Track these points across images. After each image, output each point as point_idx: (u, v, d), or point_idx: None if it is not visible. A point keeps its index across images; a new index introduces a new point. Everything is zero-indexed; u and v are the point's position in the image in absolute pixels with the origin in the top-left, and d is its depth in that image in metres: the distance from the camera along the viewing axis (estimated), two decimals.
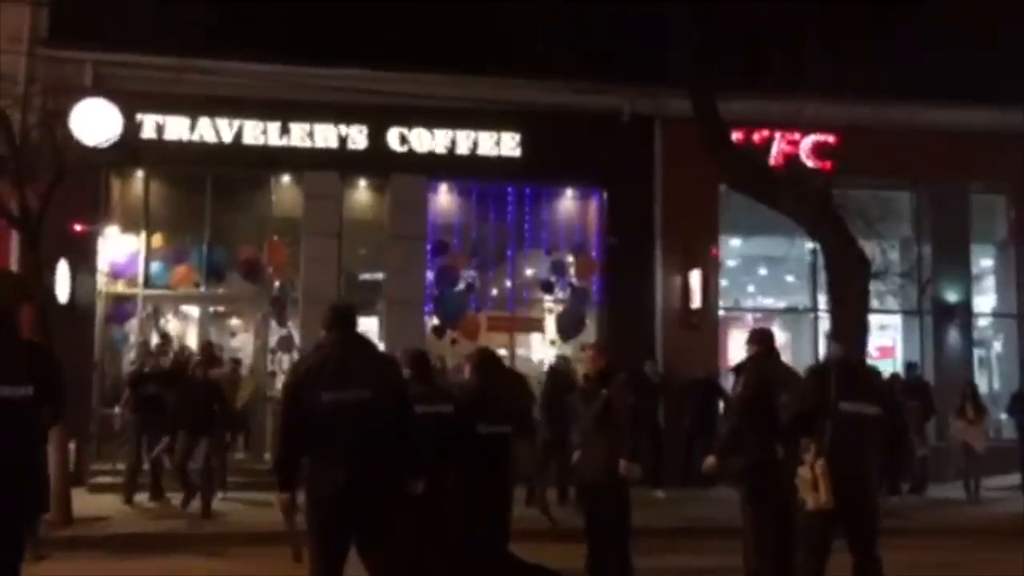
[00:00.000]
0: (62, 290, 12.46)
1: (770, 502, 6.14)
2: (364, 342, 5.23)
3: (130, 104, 12.61)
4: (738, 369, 6.76)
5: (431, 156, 14.01)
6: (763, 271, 16.32)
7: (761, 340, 6.65)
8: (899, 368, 14.12)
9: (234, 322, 15.03)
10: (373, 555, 4.67)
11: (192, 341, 13.92)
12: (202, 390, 10.63)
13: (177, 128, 13.38)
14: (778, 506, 6.11)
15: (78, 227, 12.82)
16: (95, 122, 12.80)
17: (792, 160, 14.14)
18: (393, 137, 13.96)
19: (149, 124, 13.27)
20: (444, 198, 14.63)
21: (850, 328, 10.77)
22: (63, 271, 12.50)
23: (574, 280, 14.71)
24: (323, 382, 4.68)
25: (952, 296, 14.89)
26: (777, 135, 14.33)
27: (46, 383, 4.14)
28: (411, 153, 13.98)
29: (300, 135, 13.71)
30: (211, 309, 14.59)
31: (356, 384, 4.71)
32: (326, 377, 4.70)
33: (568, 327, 14.54)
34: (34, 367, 4.13)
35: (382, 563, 4.69)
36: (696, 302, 14.27)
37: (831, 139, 14.23)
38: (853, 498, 5.40)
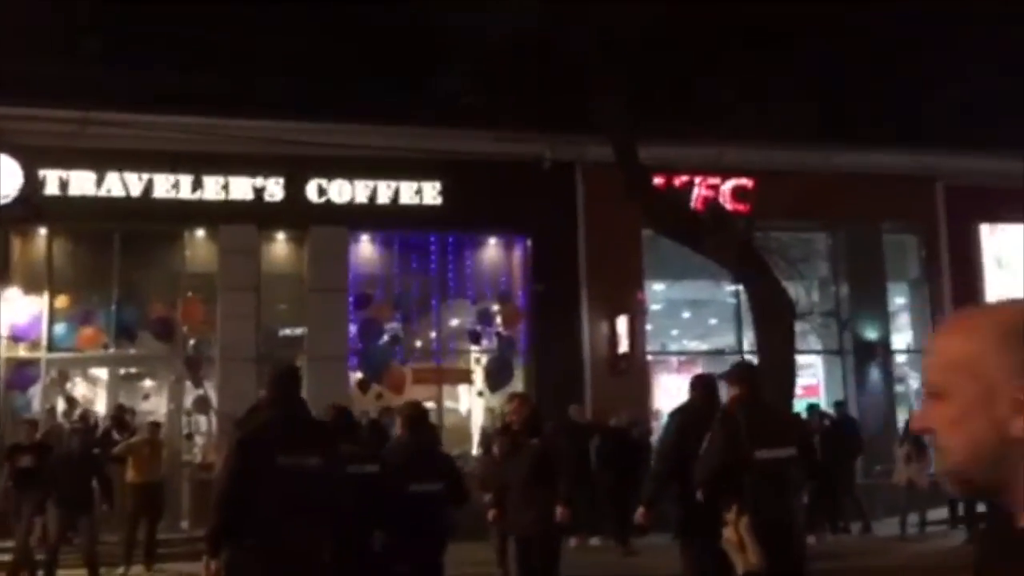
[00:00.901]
0: None
1: (705, 549, 5.97)
2: (305, 405, 4.96)
3: (32, 159, 12.12)
4: (673, 415, 6.59)
5: (351, 206, 13.71)
6: (687, 314, 16.41)
7: (693, 388, 6.52)
8: (825, 407, 14.25)
9: (147, 384, 14.31)
10: None
11: (102, 406, 13.18)
12: (78, 462, 9.75)
13: (82, 183, 12.79)
14: (715, 554, 5.94)
15: None
16: None
17: (712, 204, 14.28)
18: (312, 188, 13.63)
19: (52, 179, 12.67)
20: (366, 248, 14.33)
21: (778, 369, 10.82)
22: None
23: (500, 329, 14.51)
24: (277, 443, 4.38)
25: (871, 334, 15.17)
26: (697, 179, 14.49)
27: None
28: (330, 204, 13.66)
29: (214, 188, 13.27)
30: (122, 371, 13.87)
31: (303, 450, 4.44)
32: (277, 438, 4.41)
33: (496, 377, 14.29)
34: None
35: None
36: (624, 347, 14.19)
37: (749, 183, 14.45)
38: (780, 547, 5.16)
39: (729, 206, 14.50)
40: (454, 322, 14.70)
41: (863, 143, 14.20)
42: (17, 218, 12.14)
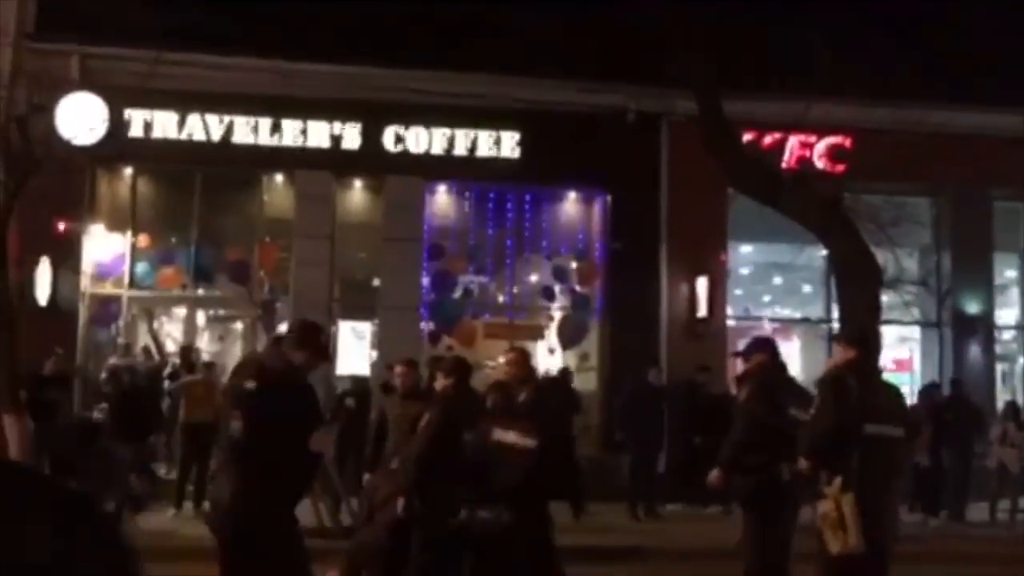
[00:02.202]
0: (42, 290, 12.09)
1: (774, 528, 5.55)
2: None
3: (117, 99, 12.30)
4: (740, 379, 6.10)
5: (427, 156, 13.50)
6: (777, 279, 15.69)
7: (764, 348, 6.04)
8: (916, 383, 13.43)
9: (223, 326, 14.57)
10: None
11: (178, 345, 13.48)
12: (136, 398, 10.12)
13: (165, 124, 12.98)
14: (780, 533, 5.54)
15: (61, 226, 12.46)
16: (81, 117, 12.55)
17: (805, 163, 13.52)
18: (388, 136, 13.47)
19: (137, 120, 12.87)
20: (441, 200, 14.14)
21: None
22: (44, 270, 12.14)
23: (576, 286, 14.15)
24: None
25: (973, 307, 14.17)
26: (791, 137, 13.72)
27: None
28: (407, 153, 13.48)
29: (292, 133, 13.26)
30: (199, 312, 14.14)
31: None
32: None
33: (569, 335, 13.98)
34: None
35: None
36: (702, 310, 13.64)
37: (846, 142, 13.60)
38: (874, 537, 4.57)
39: (824, 166, 13.73)
40: (529, 278, 14.41)
41: (973, 102, 13.14)
42: (104, 156, 12.37)
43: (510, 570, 4.91)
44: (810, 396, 5.49)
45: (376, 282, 13.90)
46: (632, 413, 11.84)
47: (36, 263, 11.94)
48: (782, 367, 6.09)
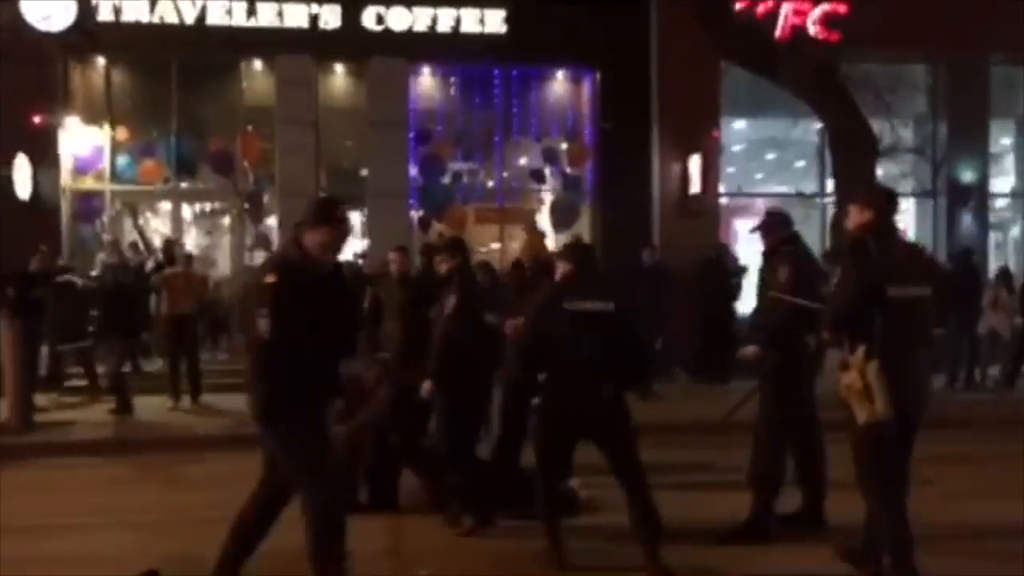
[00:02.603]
0: (22, 186, 11.83)
1: (793, 401, 5.54)
2: None
3: None
4: (769, 255, 5.85)
5: (410, 35, 13.06)
6: (770, 155, 15.46)
7: (785, 224, 5.85)
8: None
9: (209, 220, 14.36)
10: None
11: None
12: (117, 293, 10.15)
13: (136, 9, 12.48)
14: (800, 405, 5.54)
15: (36, 119, 12.10)
16: (47, 5, 12.07)
17: (799, 32, 13.13)
18: (369, 16, 12.99)
19: (105, 6, 12.36)
20: (426, 82, 13.76)
21: None
22: (22, 165, 11.86)
23: (566, 168, 13.93)
24: None
25: (968, 176, 14.02)
26: (784, 5, 13.29)
27: None
28: (389, 33, 13.03)
29: (269, 15, 12.78)
30: (184, 205, 13.90)
31: None
32: None
33: (561, 217, 13.82)
34: None
35: None
36: (695, 188, 13.47)
37: (841, 8, 13.17)
38: (908, 408, 4.40)
39: (818, 34, 13.34)
40: (518, 161, 14.17)
41: None
42: (73, 45, 11.94)
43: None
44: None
45: (363, 171, 13.64)
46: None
47: (13, 159, 11.63)
48: (801, 240, 5.95)
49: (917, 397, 4.46)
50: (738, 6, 12.16)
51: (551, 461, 5.02)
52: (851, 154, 10.09)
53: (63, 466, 8.20)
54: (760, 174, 15.43)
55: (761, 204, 14.48)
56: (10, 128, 11.70)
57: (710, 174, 13.53)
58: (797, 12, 13.26)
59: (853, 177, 10.05)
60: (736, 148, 14.77)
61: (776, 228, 5.79)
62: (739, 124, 14.68)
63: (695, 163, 13.47)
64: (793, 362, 5.49)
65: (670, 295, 12.11)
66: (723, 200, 14.07)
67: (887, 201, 4.71)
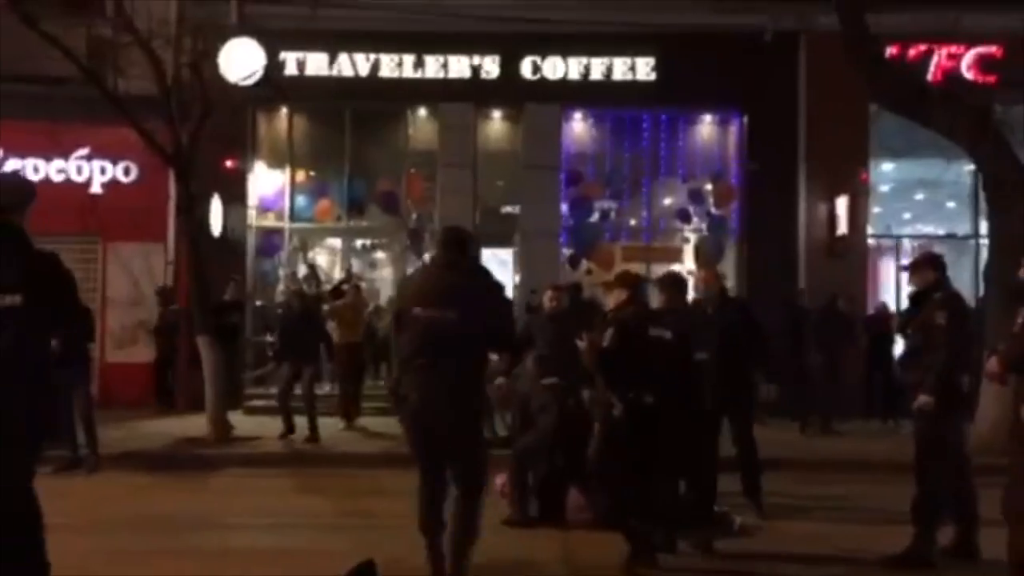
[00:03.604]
0: (215, 224, 13.15)
1: (949, 439, 5.87)
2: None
3: (273, 42, 13.04)
4: (918, 299, 6.12)
5: (564, 84, 13.83)
6: (919, 195, 15.34)
7: (937, 265, 6.10)
8: None
9: (376, 254, 15.46)
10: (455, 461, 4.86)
11: (336, 272, 14.44)
12: (298, 322, 10.90)
13: (317, 64, 13.76)
14: (955, 444, 5.89)
15: (229, 163, 13.46)
16: (241, 60, 13.32)
17: (952, 75, 13.14)
18: (526, 66, 13.85)
19: (291, 61, 13.68)
20: (578, 126, 14.47)
21: (1012, 254, 10.05)
22: (216, 206, 13.18)
23: (712, 208, 14.31)
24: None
25: None
26: (936, 49, 13.34)
27: (41, 290, 3.79)
28: (544, 81, 13.85)
29: (435, 67, 13.81)
30: (355, 241, 15.08)
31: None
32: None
33: (706, 256, 14.18)
34: (29, 274, 3.77)
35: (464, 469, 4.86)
36: (842, 229, 13.60)
37: (994, 51, 13.10)
38: None
39: (972, 77, 13.31)
40: (665, 200, 14.64)
41: None
42: (262, 97, 13.21)
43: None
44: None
45: (516, 209, 14.42)
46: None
47: (209, 199, 12.96)
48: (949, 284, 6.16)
49: None
50: (889, 51, 12.31)
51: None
52: (1006, 196, 10.09)
53: (254, 475, 9.16)
54: (908, 215, 15.32)
55: (908, 245, 14.46)
56: (206, 172, 13.02)
57: (857, 215, 13.64)
58: (950, 56, 13.28)
59: (1007, 219, 10.07)
60: (884, 188, 14.77)
61: (927, 269, 6.06)
62: (887, 165, 14.68)
63: (842, 204, 13.61)
64: (949, 403, 5.77)
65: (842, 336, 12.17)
66: (871, 241, 14.11)
67: None
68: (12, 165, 13.39)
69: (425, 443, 4.80)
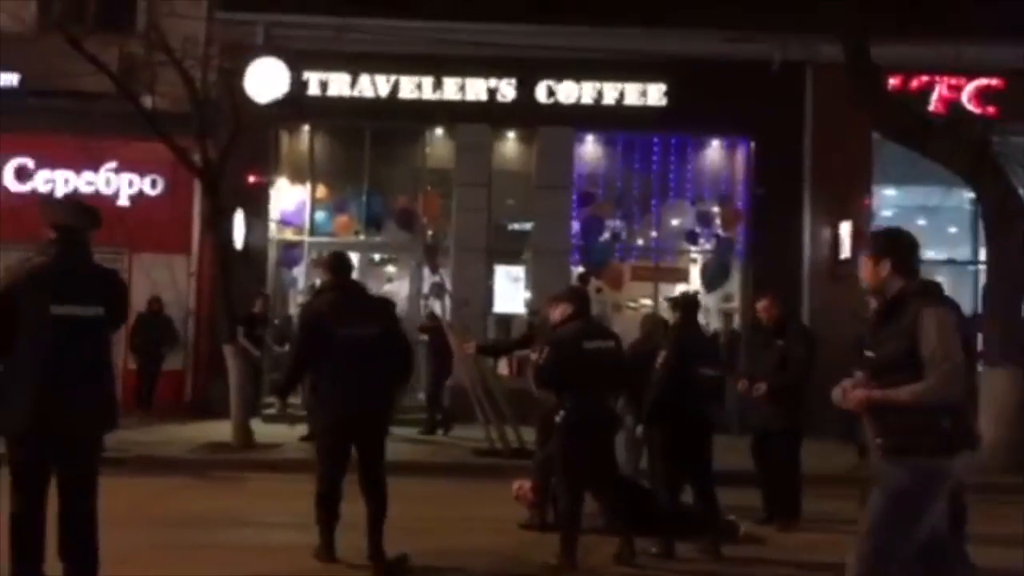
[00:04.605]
0: (238, 237, 13.58)
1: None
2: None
3: (297, 62, 13.49)
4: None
5: (578, 107, 14.30)
6: (921, 221, 15.75)
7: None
8: None
9: (390, 269, 15.88)
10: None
11: None
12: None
13: (339, 84, 14.23)
14: None
15: (252, 179, 13.90)
16: (266, 80, 13.74)
17: (953, 106, 13.59)
18: (541, 90, 14.32)
19: (314, 81, 14.14)
20: (590, 149, 14.93)
21: (1009, 280, 10.51)
22: (239, 220, 13.62)
23: (719, 230, 14.74)
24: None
25: None
26: (938, 81, 13.80)
27: (115, 305, 4.57)
28: (558, 105, 14.31)
29: (453, 89, 14.28)
30: (374, 256, 15.52)
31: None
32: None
33: (713, 277, 14.62)
34: (105, 290, 4.53)
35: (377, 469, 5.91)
36: (846, 252, 14.01)
37: (997, 83, 13.57)
38: None
39: (974, 109, 13.76)
40: (673, 222, 15.07)
41: None
42: (285, 116, 13.64)
43: None
44: None
45: (528, 227, 14.85)
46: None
47: (233, 214, 13.39)
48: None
49: None
50: (892, 82, 12.76)
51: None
52: (1004, 224, 10.52)
53: (280, 479, 9.51)
54: None
55: None
56: (231, 187, 13.45)
57: (860, 240, 14.03)
58: (951, 87, 13.74)
59: (1006, 246, 10.51)
60: (887, 213, 15.18)
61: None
62: (890, 191, 15.11)
63: (846, 229, 14.03)
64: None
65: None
66: None
67: None
68: (43, 177, 13.87)
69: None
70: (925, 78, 13.71)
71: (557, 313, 6.39)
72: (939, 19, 11.20)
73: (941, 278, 14.18)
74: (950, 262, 15.02)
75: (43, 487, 4.34)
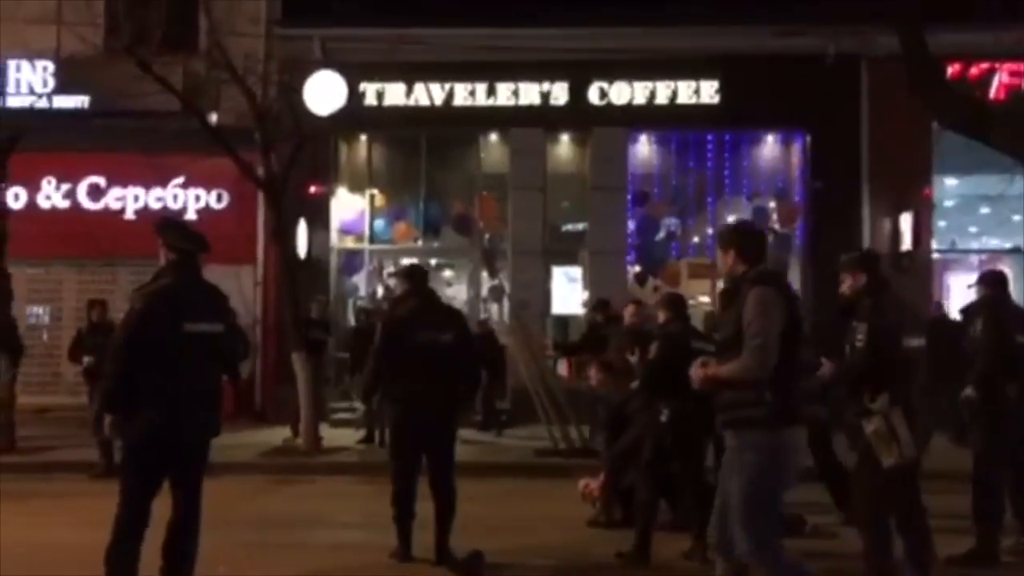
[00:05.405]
0: (301, 246, 13.92)
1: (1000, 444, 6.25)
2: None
3: (354, 74, 13.80)
4: (968, 311, 6.66)
5: (630, 108, 14.37)
6: (984, 210, 15.49)
7: (994, 283, 6.55)
8: None
9: (448, 274, 16.11)
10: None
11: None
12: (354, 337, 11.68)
13: (395, 94, 14.50)
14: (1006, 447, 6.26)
15: (313, 189, 14.24)
16: (325, 93, 14.07)
17: (1015, 93, 13.35)
18: (593, 91, 14.42)
19: (370, 92, 14.43)
20: (644, 148, 14.98)
21: None
22: (302, 229, 13.96)
23: (777, 226, 14.67)
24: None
25: None
26: (998, 67, 13.57)
27: (231, 322, 5.02)
28: (611, 106, 14.40)
29: (506, 94, 14.45)
30: (431, 261, 15.69)
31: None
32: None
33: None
34: (223, 308, 4.97)
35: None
36: (907, 244, 13.85)
37: None
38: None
39: None
40: (730, 218, 14.98)
41: None
42: (344, 127, 13.96)
43: None
44: None
45: (584, 228, 14.95)
46: None
47: (296, 224, 13.73)
48: (1009, 299, 6.61)
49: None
50: (951, 69, 12.58)
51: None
52: None
53: (349, 481, 9.78)
54: (974, 228, 15.47)
55: (974, 260, 14.63)
56: (293, 197, 13.81)
57: (922, 231, 13.88)
58: (1012, 73, 13.49)
59: None
60: (949, 203, 14.97)
61: (981, 287, 6.54)
62: (952, 181, 14.88)
63: (906, 220, 13.86)
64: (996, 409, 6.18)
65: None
66: (936, 255, 14.32)
67: None
68: (115, 194, 14.38)
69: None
70: (985, 65, 13.48)
71: (661, 316, 6.82)
72: (997, 4, 11.00)
73: (1005, 267, 14.15)
74: (1015, 251, 14.74)
75: (156, 492, 4.72)
